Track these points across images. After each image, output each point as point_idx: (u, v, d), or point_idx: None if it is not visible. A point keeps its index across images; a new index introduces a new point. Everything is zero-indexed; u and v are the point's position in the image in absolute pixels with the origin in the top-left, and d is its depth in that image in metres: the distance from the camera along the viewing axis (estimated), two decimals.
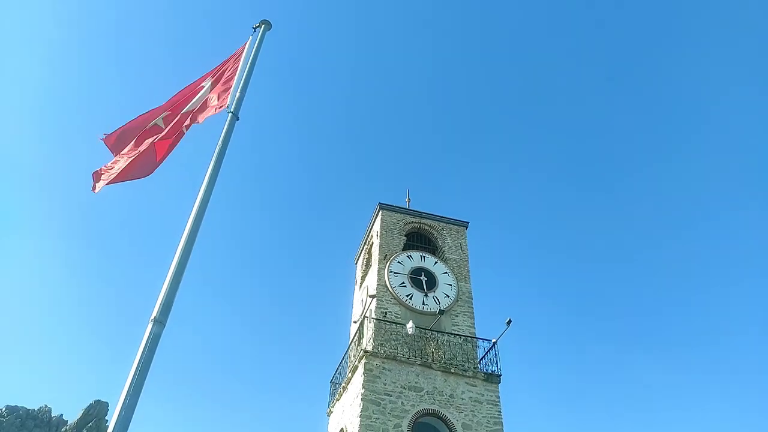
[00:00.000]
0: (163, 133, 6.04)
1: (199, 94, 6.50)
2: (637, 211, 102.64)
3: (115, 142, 5.95)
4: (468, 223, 20.67)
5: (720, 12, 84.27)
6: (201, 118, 6.29)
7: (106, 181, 5.78)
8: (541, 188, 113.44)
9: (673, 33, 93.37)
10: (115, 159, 5.94)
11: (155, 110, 6.25)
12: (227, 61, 6.94)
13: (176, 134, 6.12)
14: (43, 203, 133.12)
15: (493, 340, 15.99)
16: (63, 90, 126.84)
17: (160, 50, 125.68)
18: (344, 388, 16.36)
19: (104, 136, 5.98)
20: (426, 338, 16.02)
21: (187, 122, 6.23)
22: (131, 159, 5.85)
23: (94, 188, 5.82)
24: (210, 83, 6.65)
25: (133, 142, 6.01)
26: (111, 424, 3.56)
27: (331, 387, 18.31)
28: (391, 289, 17.35)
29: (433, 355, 15.61)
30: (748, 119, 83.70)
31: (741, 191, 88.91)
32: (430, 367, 15.18)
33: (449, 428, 14.16)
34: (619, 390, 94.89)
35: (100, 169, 5.88)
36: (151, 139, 5.96)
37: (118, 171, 5.81)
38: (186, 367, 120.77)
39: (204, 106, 6.41)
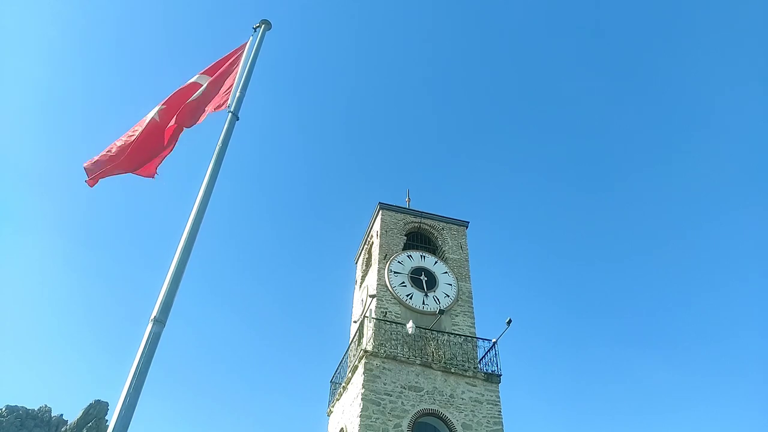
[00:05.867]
0: (169, 124, 5.98)
1: (197, 93, 6.45)
2: (637, 211, 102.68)
3: (101, 162, 5.75)
4: (468, 222, 20.69)
5: (720, 12, 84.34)
6: (201, 119, 6.26)
7: (105, 172, 5.66)
8: (541, 188, 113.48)
9: (673, 33, 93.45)
10: (109, 148, 5.80)
11: (144, 120, 6.15)
12: (225, 59, 6.92)
13: (173, 131, 6.07)
14: (43, 203, 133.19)
15: (493, 340, 16.00)
16: (63, 90, 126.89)
17: (160, 50, 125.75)
18: (344, 388, 16.36)
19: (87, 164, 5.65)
20: (426, 338, 16.02)
21: (185, 121, 6.17)
22: (129, 147, 5.77)
23: (91, 181, 5.61)
24: (208, 82, 6.61)
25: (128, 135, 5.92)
26: (111, 424, 3.57)
27: (331, 387, 18.32)
28: (391, 289, 17.35)
29: (433, 355, 15.61)
30: (748, 119, 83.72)
31: (741, 191, 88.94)
32: (430, 367, 15.18)
33: (449, 428, 14.15)
34: (619, 390, 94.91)
35: (97, 160, 5.70)
36: (147, 130, 5.90)
37: (117, 160, 5.71)
38: (186, 367, 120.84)
39: (202, 106, 6.37)
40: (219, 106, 6.32)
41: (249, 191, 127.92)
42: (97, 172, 5.63)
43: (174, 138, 6.04)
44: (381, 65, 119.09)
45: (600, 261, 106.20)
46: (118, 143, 5.89)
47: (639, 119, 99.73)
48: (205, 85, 6.49)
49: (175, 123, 6.01)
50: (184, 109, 6.12)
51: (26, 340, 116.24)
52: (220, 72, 6.72)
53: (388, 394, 14.35)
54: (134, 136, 5.85)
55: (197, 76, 6.62)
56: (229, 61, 6.88)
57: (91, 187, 5.64)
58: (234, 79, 6.58)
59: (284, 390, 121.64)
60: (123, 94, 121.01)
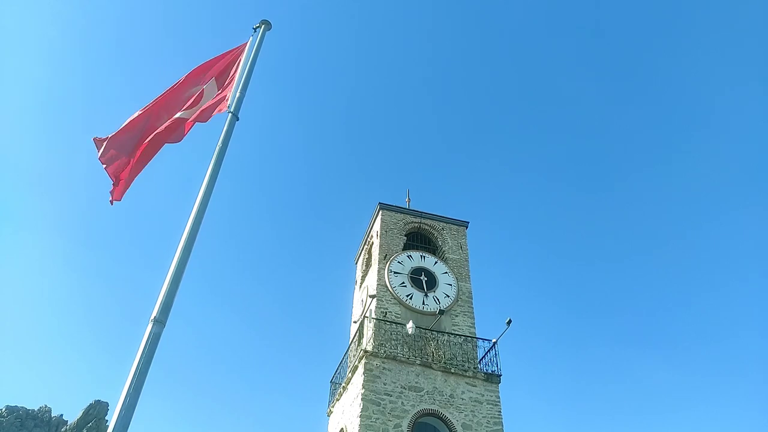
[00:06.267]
0: (159, 130, 5.98)
1: (204, 95, 6.42)
2: (637, 211, 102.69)
3: (109, 145, 5.79)
4: (468, 222, 20.68)
5: (720, 12, 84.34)
6: (194, 121, 6.22)
7: (123, 187, 5.71)
8: (541, 188, 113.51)
9: (673, 33, 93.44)
10: (112, 151, 5.80)
11: (148, 110, 6.12)
12: (223, 59, 6.89)
13: (173, 134, 6.05)
14: (43, 203, 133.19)
15: (493, 340, 16.00)
16: (63, 90, 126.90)
17: (160, 50, 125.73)
18: (344, 388, 16.35)
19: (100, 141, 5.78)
20: (426, 338, 16.01)
21: (188, 122, 6.15)
22: (135, 158, 5.81)
23: (114, 195, 5.65)
24: (213, 84, 6.58)
25: (132, 144, 5.91)
26: (111, 424, 3.57)
27: (331, 387, 18.31)
28: (391, 289, 17.34)
29: (433, 355, 15.61)
30: (748, 119, 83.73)
31: (741, 191, 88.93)
32: (430, 367, 15.18)
33: (449, 428, 14.15)
34: (619, 390, 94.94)
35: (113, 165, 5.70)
36: (150, 136, 5.91)
37: (127, 172, 5.75)
38: (186, 367, 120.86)
39: (205, 107, 6.33)
40: (219, 109, 6.28)
41: (249, 191, 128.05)
42: (112, 168, 5.66)
43: (148, 156, 5.98)
44: (381, 65, 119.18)
45: (600, 261, 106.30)
46: (126, 128, 5.86)
47: (639, 119, 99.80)
48: (209, 88, 6.44)
49: (149, 141, 5.93)
50: (169, 126, 6.05)
51: (26, 340, 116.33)
52: (223, 74, 6.67)
53: (388, 394, 14.35)
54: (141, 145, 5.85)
55: (194, 75, 6.56)
56: (223, 66, 6.83)
57: (117, 200, 5.69)
58: (231, 83, 6.55)
59: (284, 390, 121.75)
60: (123, 94, 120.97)
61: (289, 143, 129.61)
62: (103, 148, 5.65)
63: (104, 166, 5.66)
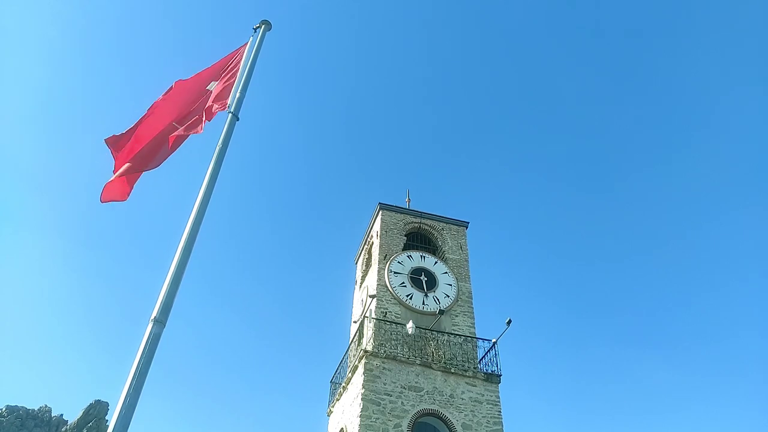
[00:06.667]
0: (150, 143, 5.95)
1: (209, 96, 6.41)
2: (637, 211, 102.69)
3: (120, 144, 5.77)
4: (468, 223, 20.69)
5: (720, 12, 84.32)
6: (201, 127, 6.20)
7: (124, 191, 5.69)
8: (541, 188, 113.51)
9: (673, 33, 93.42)
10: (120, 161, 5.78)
11: (157, 111, 6.10)
12: (227, 60, 6.90)
13: (160, 150, 6.00)
14: (43, 203, 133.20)
15: (493, 340, 16.00)
16: (63, 90, 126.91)
17: (160, 50, 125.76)
18: (344, 388, 16.36)
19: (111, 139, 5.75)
20: (426, 338, 16.02)
21: (192, 124, 6.13)
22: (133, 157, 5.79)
23: (106, 197, 5.63)
24: (215, 85, 6.58)
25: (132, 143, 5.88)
26: (111, 424, 3.57)
27: (331, 387, 18.32)
28: (391, 289, 17.35)
29: (433, 355, 15.61)
30: (748, 119, 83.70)
31: (741, 191, 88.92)
32: (430, 367, 15.18)
33: (449, 428, 14.16)
34: (619, 390, 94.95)
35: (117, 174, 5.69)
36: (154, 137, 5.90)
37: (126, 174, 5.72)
38: (186, 367, 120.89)
39: (196, 118, 6.30)
40: (219, 109, 6.26)
41: (249, 191, 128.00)
42: (121, 168, 5.66)
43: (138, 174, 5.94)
44: (381, 65, 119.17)
45: (600, 261, 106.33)
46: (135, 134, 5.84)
47: (639, 119, 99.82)
48: (197, 105, 6.40)
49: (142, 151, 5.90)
50: (160, 140, 5.99)
51: (26, 340, 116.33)
52: (224, 75, 6.66)
53: (388, 394, 14.35)
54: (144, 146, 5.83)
55: (200, 77, 6.55)
56: (231, 62, 6.83)
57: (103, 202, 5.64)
58: (234, 80, 6.54)
59: (284, 390, 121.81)
60: (123, 94, 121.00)
61: (289, 143, 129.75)
62: (114, 146, 5.65)
63: (115, 156, 5.63)
